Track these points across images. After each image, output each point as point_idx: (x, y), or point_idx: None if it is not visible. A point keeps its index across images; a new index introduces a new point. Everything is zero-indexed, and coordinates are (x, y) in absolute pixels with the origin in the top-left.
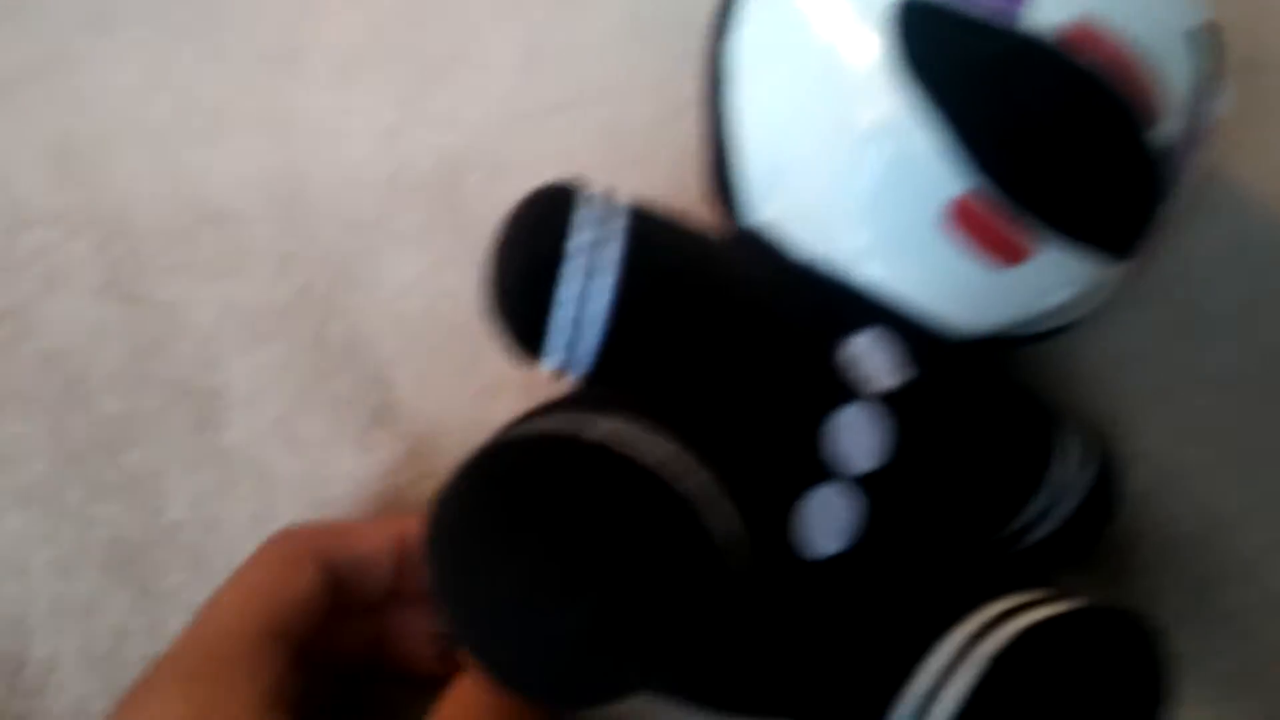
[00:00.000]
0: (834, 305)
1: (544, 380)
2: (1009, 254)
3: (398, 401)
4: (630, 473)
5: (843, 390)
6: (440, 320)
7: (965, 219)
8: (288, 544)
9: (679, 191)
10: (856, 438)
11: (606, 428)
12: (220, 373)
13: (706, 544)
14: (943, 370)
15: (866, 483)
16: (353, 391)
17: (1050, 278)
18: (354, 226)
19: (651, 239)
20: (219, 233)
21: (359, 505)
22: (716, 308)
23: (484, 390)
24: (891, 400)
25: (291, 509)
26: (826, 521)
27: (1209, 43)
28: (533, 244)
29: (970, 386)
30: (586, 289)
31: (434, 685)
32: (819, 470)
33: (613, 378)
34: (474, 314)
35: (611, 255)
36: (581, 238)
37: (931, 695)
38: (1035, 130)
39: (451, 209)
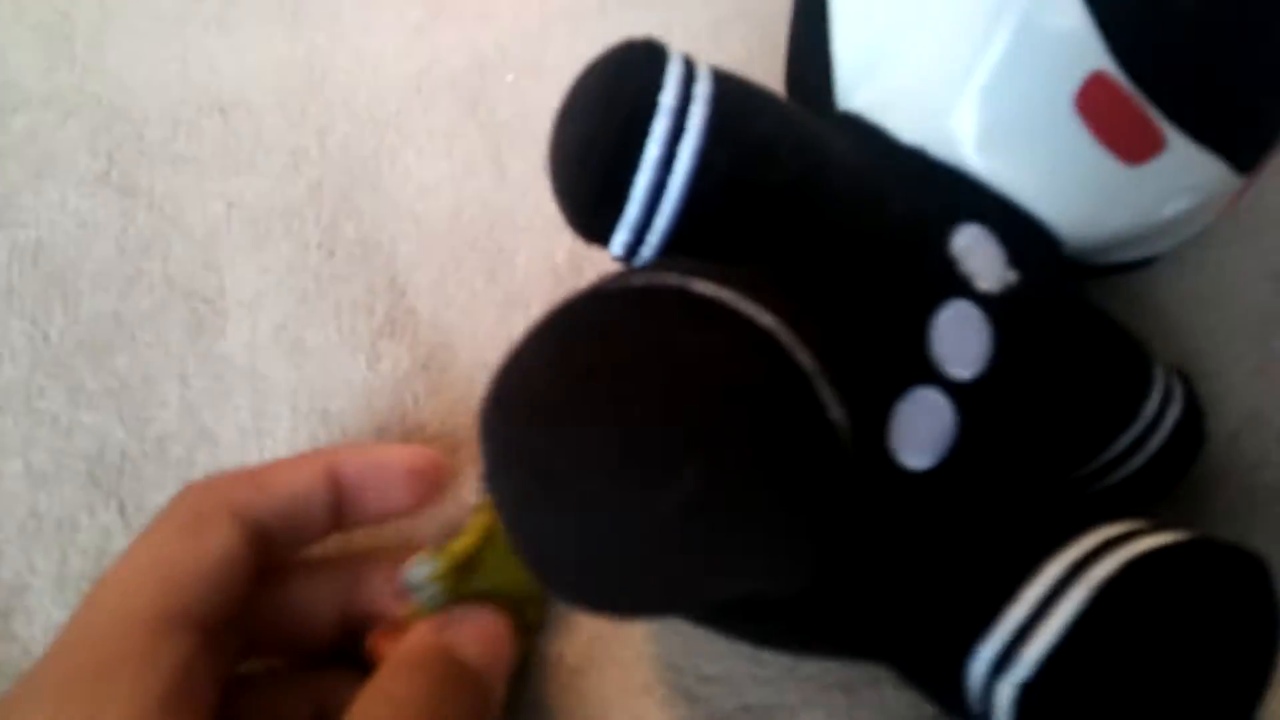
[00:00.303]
0: (941, 195)
1: (576, 287)
2: (1133, 149)
3: (412, 310)
4: (745, 332)
5: (951, 284)
6: (464, 226)
7: (1093, 104)
8: (195, 502)
9: None
10: (960, 336)
11: (711, 287)
12: (220, 274)
13: (824, 420)
14: (1045, 281)
15: (962, 394)
16: (364, 298)
17: (1167, 184)
18: (374, 124)
19: (741, 105)
20: (225, 124)
21: (364, 420)
22: (812, 184)
23: (508, 301)
24: (993, 305)
25: (290, 422)
26: (922, 428)
27: None
28: (619, 97)
29: (1069, 305)
30: (672, 151)
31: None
32: (920, 368)
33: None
34: (501, 221)
35: (699, 116)
36: (670, 95)
37: (1032, 622)
38: (1180, 10)
39: (480, 111)
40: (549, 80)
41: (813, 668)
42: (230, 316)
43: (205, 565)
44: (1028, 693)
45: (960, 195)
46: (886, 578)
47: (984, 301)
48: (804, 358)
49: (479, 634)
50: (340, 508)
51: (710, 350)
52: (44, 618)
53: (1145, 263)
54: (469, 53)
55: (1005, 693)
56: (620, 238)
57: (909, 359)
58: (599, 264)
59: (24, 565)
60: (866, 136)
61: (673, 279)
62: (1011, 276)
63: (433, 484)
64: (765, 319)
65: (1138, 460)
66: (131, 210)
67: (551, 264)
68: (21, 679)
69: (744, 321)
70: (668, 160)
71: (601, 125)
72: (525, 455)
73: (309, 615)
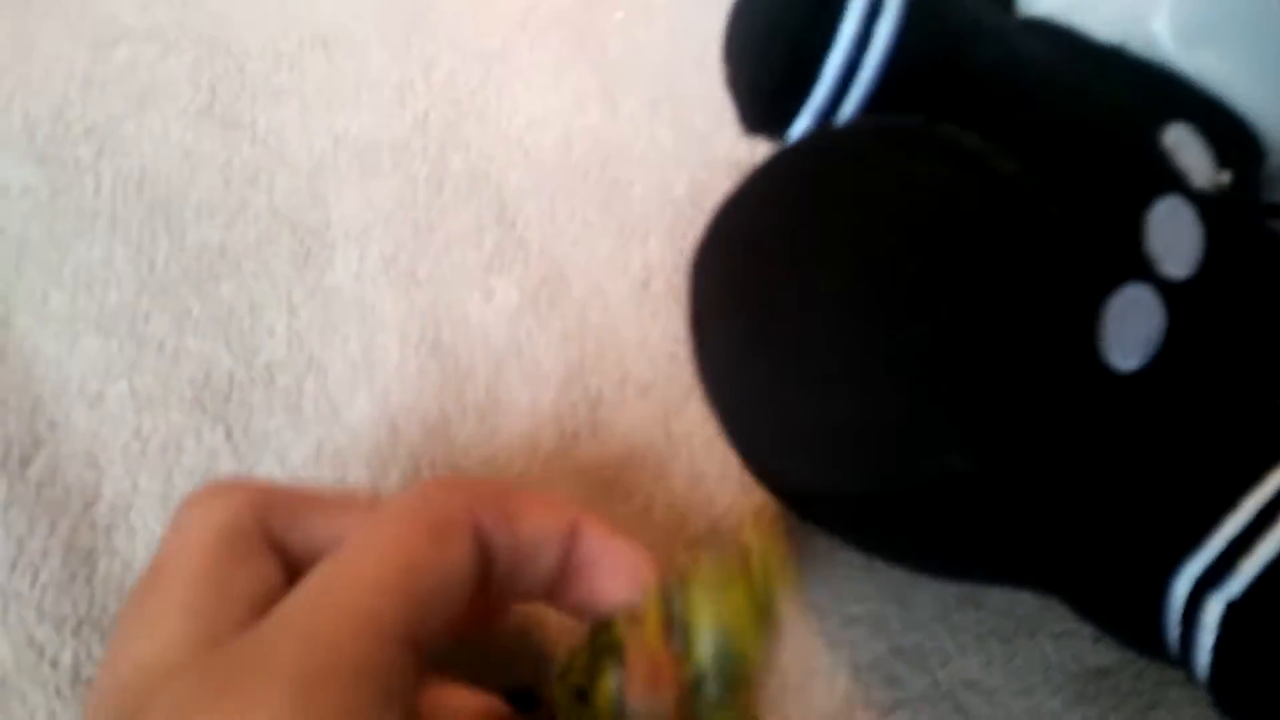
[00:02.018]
0: (1145, 92)
1: (696, 220)
2: None
3: (525, 240)
4: (996, 176)
5: (1165, 178)
6: (575, 160)
7: None
8: (443, 504)
9: None
10: (1175, 232)
11: (955, 130)
12: (326, 208)
13: (1074, 269)
14: (1253, 187)
15: (1173, 295)
16: (474, 229)
17: None
18: (479, 58)
19: None
20: (328, 58)
21: (477, 350)
22: (1012, 71)
23: (623, 233)
24: (1206, 205)
25: (399, 354)
26: (1133, 327)
27: None
28: None
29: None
30: (868, 29)
31: None
32: (1134, 263)
33: None
34: (615, 154)
35: None
36: None
37: (1251, 532)
38: None
39: (589, 47)
40: (658, 19)
41: (965, 616)
42: (338, 248)
43: (449, 582)
44: (1238, 610)
45: (1165, 93)
46: (1089, 486)
47: (1197, 200)
48: (1055, 210)
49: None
50: (561, 573)
51: (964, 188)
52: (146, 535)
53: None
54: None
55: (1213, 610)
56: (802, 125)
57: (1124, 253)
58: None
59: (128, 485)
60: (1058, 37)
61: (913, 120)
62: (1224, 177)
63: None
64: (1010, 166)
65: None
66: (235, 142)
67: (671, 196)
68: (241, 643)
69: (991, 167)
70: (863, 39)
71: (791, 2)
72: (753, 291)
73: None
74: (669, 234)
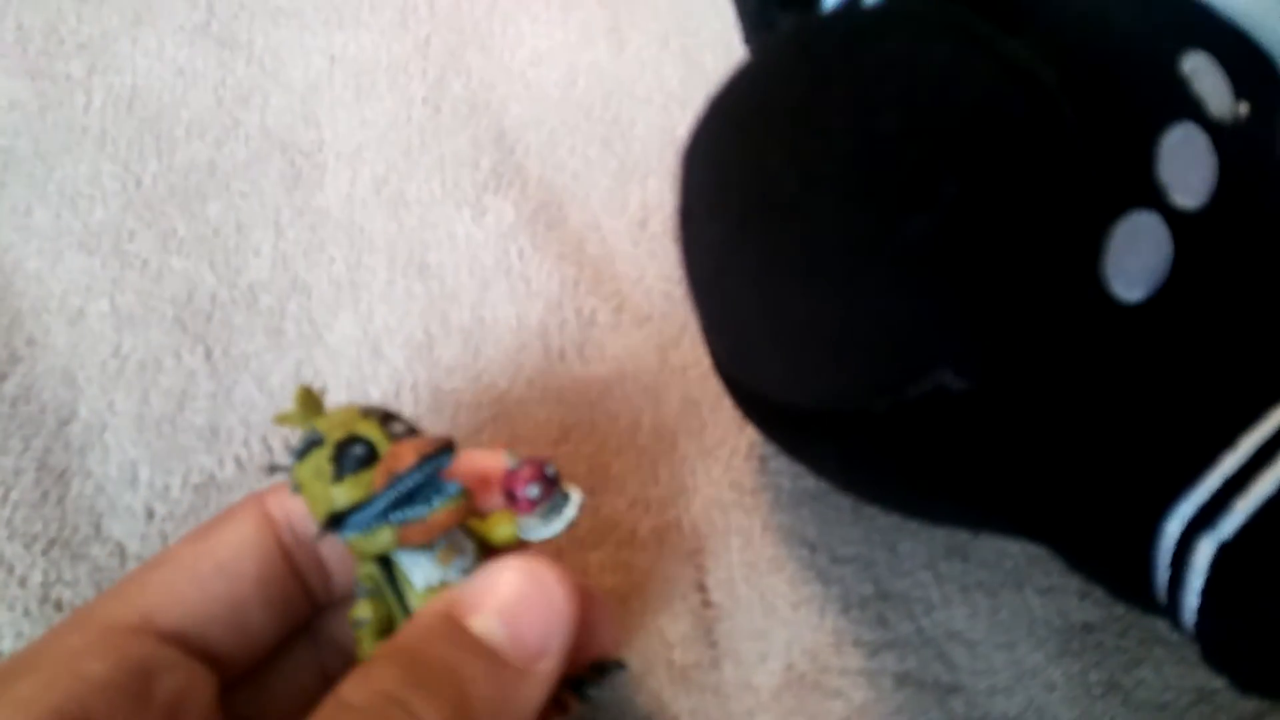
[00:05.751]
0: (1168, 17)
1: None
2: None
3: (520, 168)
4: (1004, 61)
5: (1182, 104)
6: (578, 95)
7: None
8: (250, 503)
9: None
10: (1187, 161)
11: (965, 13)
12: (319, 128)
13: (1081, 164)
14: (1272, 121)
15: (1181, 225)
16: (470, 152)
17: None
18: None
19: None
20: None
21: (465, 273)
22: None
23: (623, 170)
24: (1222, 135)
25: (387, 274)
26: (1138, 255)
27: None
28: None
29: None
30: None
31: None
32: (1144, 190)
33: None
34: (618, 91)
35: None
36: None
37: (1248, 470)
38: None
39: None
40: None
41: (952, 567)
42: (328, 169)
43: (215, 566)
44: (1229, 552)
45: (1186, 20)
46: (1085, 419)
47: (1213, 130)
48: (1071, 113)
49: (507, 596)
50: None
51: (972, 70)
52: (120, 456)
53: None
54: None
55: (1204, 552)
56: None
57: (1133, 177)
58: None
59: (104, 404)
60: None
61: (921, 5)
62: (1242, 109)
63: None
64: (1024, 53)
65: None
66: (230, 62)
67: (673, 138)
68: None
69: (999, 53)
70: None
71: None
72: (748, 174)
73: None
74: (670, 175)
